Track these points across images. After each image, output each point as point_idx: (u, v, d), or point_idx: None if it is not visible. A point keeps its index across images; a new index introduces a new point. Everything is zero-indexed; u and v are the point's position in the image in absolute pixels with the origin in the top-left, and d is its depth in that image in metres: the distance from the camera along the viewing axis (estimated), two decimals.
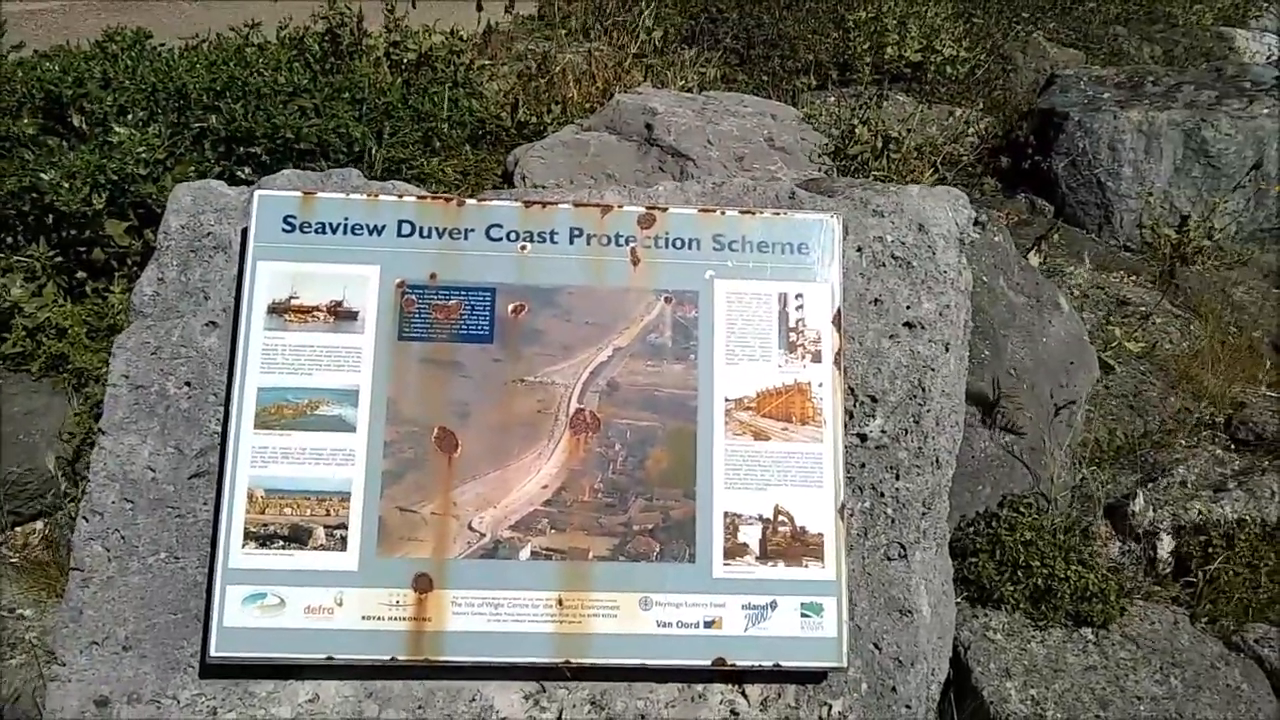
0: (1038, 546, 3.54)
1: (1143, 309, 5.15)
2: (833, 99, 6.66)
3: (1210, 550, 3.78)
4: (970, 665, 3.39)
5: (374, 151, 4.60)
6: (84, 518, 2.80)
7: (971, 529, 3.63)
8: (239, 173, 4.30)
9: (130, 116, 4.38)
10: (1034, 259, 4.59)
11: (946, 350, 2.97)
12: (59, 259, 4.04)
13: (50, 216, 4.03)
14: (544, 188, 4.85)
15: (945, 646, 2.95)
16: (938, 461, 2.93)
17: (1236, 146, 5.96)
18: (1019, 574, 3.51)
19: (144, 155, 4.07)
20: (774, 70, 6.77)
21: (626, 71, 6.06)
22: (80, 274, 4.09)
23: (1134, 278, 5.57)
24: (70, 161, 3.93)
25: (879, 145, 5.46)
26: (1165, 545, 3.81)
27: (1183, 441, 4.27)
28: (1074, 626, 3.53)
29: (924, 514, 2.88)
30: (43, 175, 3.92)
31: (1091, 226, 6.09)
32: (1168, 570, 3.82)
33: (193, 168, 4.25)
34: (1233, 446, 4.43)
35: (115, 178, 3.97)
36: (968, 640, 3.45)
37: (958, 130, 6.13)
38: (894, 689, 2.77)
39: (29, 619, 3.19)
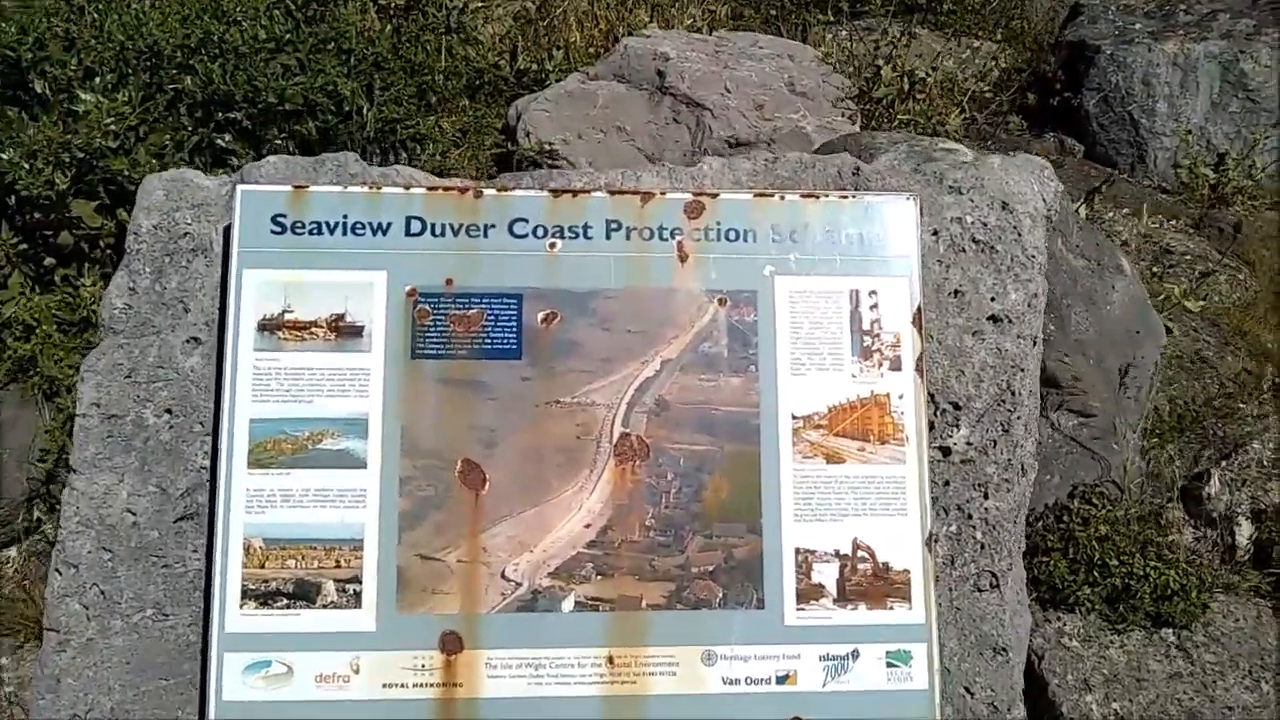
0: (1114, 542, 3.13)
1: (1187, 258, 4.69)
2: (845, 33, 6.10)
3: None
4: (1046, 677, 2.99)
5: (365, 111, 4.07)
6: (56, 570, 2.35)
7: (1040, 524, 3.21)
8: (219, 140, 3.77)
9: (98, 80, 3.83)
10: (1083, 212, 4.12)
11: (1034, 345, 2.52)
12: (23, 246, 3.53)
13: (12, 198, 3.51)
14: (551, 144, 4.35)
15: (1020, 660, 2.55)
16: (1023, 469, 2.50)
17: (1277, 79, 5.45)
18: (1095, 574, 3.10)
19: (112, 126, 3.53)
20: (783, 4, 6.19)
21: (630, 10, 5.48)
22: (48, 260, 3.59)
23: (1173, 222, 5.10)
24: (30, 138, 3.40)
25: (905, 87, 4.94)
26: (1244, 531, 3.40)
27: (1249, 409, 3.84)
28: (1154, 628, 3.13)
29: (1014, 533, 2.45)
30: (1, 155, 3.39)
31: (1124, 166, 5.61)
32: (1246, 558, 3.42)
33: (168, 136, 3.72)
34: None
35: (81, 154, 3.44)
36: (1041, 648, 3.05)
37: (983, 66, 5.60)
38: None
39: (4, 667, 2.75)
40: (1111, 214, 4.99)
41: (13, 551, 3.03)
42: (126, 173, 3.55)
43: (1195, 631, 3.15)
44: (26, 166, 3.36)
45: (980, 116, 5.19)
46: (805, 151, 4.41)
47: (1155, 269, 4.60)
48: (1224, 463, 3.56)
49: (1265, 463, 3.55)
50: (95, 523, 2.35)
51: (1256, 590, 3.36)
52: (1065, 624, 3.12)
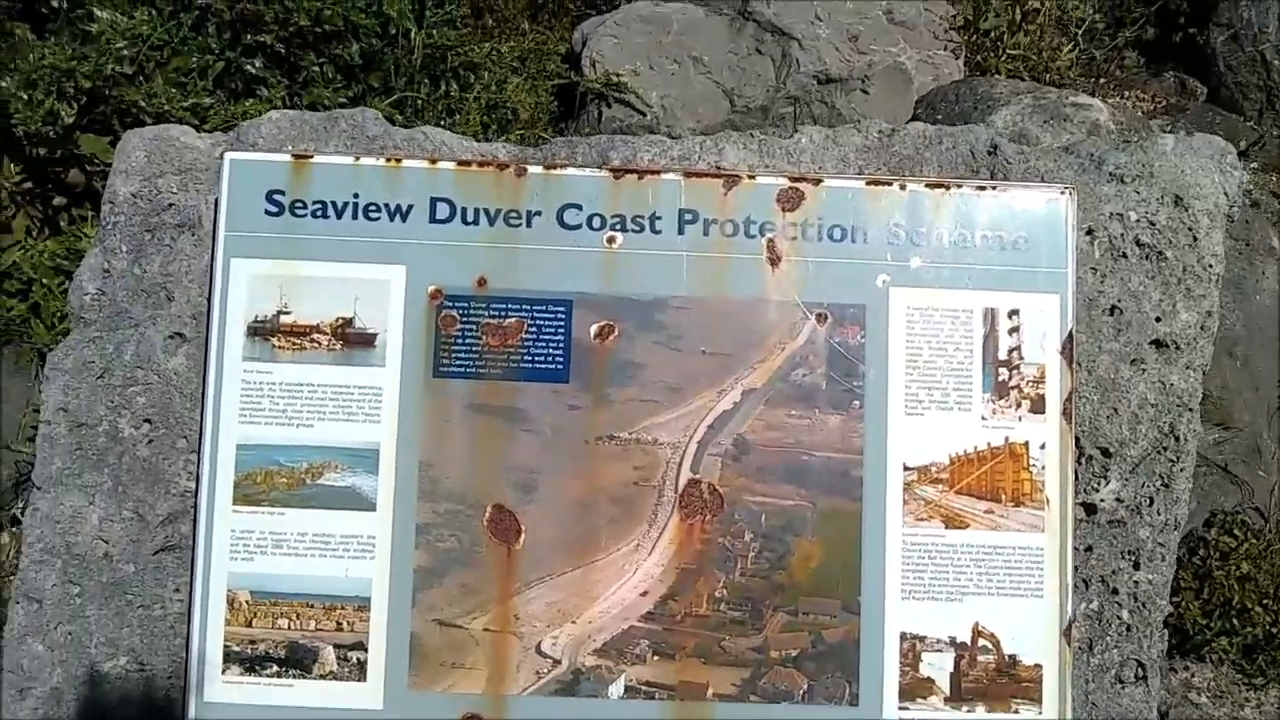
0: (1256, 582, 2.59)
1: None
2: None
3: None
4: None
5: (413, 35, 3.50)
6: (17, 604, 1.92)
7: None
8: (249, 66, 3.24)
9: None
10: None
11: (1204, 377, 1.95)
12: (28, 184, 3.05)
13: (19, 130, 3.02)
14: (619, 75, 3.76)
15: None
16: (1177, 526, 1.95)
17: None
18: (1233, 620, 2.56)
19: (125, 51, 3.02)
20: None
21: None
22: (57, 199, 3.11)
23: None
24: (31, 64, 2.89)
25: (1017, 18, 4.25)
26: None
27: None
28: None
29: (1163, 609, 1.92)
30: (0, 83, 2.90)
31: (1251, 112, 4.89)
32: None
33: (192, 60, 3.19)
34: None
35: (89, 82, 2.94)
36: (1166, 703, 2.53)
37: None
38: None
39: None
40: (1253, 177, 4.30)
41: (4, 536, 2.61)
42: (142, 103, 3.05)
43: None
44: (25, 97, 2.86)
45: (1099, 55, 4.49)
46: (908, 93, 3.79)
47: None
48: None
49: None
50: (61, 551, 1.91)
51: None
52: (1194, 675, 2.60)
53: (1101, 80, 4.61)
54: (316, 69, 3.37)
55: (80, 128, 3.04)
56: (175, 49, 3.25)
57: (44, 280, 2.82)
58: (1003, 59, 4.29)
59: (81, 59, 2.98)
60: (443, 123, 3.37)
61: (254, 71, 3.31)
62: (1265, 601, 2.57)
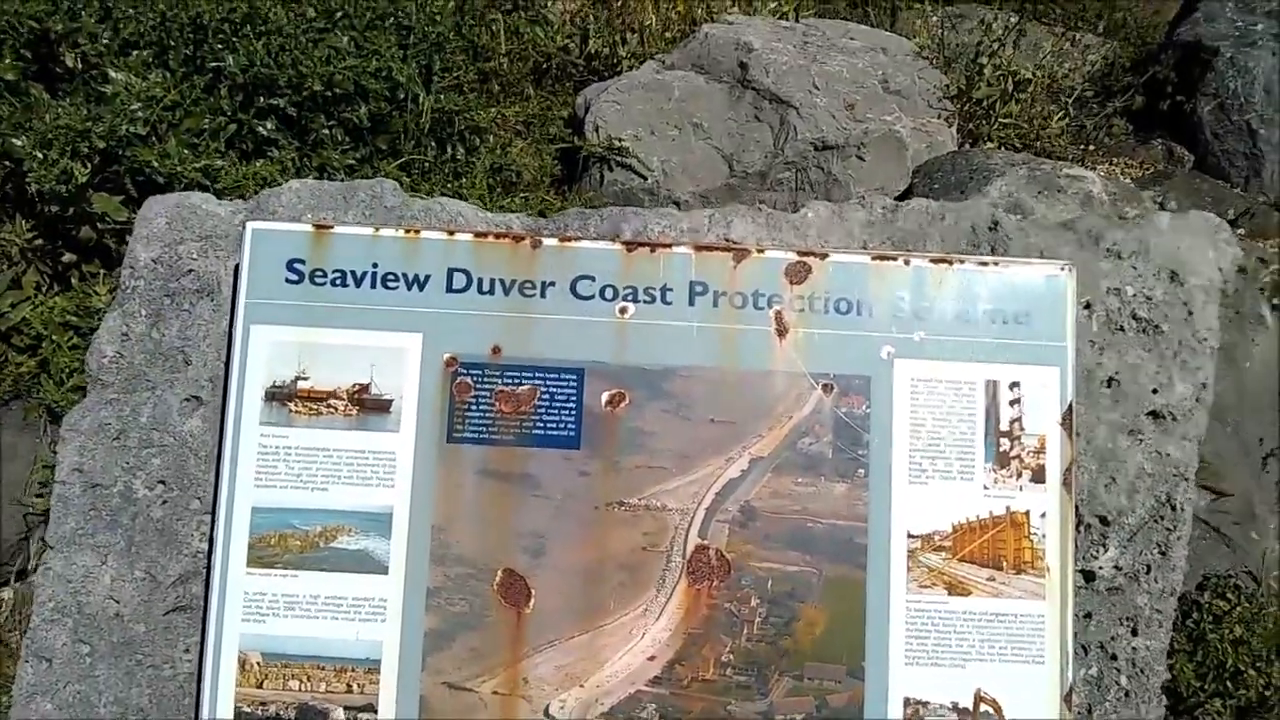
0: (1249, 646, 2.60)
1: None
2: (936, 19, 5.48)
3: None
4: None
5: (421, 99, 3.57)
6: (27, 662, 1.92)
7: None
8: (260, 128, 3.29)
9: (134, 55, 3.36)
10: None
11: (1199, 447, 1.99)
12: (39, 240, 3.09)
13: (32, 187, 3.06)
14: (621, 140, 3.83)
15: None
16: (1174, 593, 1.99)
17: None
18: (1227, 683, 2.58)
19: (140, 112, 3.07)
20: None
21: None
22: (67, 256, 3.15)
23: None
24: (47, 124, 2.94)
25: (1009, 88, 4.35)
26: None
27: None
28: None
29: (1161, 675, 1.94)
30: (15, 140, 2.94)
31: (1238, 179, 4.99)
32: None
33: (204, 122, 3.25)
34: None
35: (104, 143, 2.98)
36: None
37: (1089, 65, 4.99)
38: None
39: None
40: (1242, 244, 4.37)
41: (7, 593, 2.62)
42: (155, 164, 3.09)
43: None
44: (40, 156, 2.90)
45: (1089, 123, 4.59)
46: (902, 159, 3.87)
47: None
48: None
49: None
50: (73, 611, 1.92)
51: None
52: None
53: (1091, 147, 4.71)
54: (326, 131, 3.43)
55: (93, 186, 3.08)
56: (188, 110, 3.31)
57: (54, 337, 2.85)
58: (994, 127, 4.39)
59: (96, 119, 3.03)
60: (449, 186, 3.43)
61: (266, 133, 3.37)
62: (1258, 664, 2.59)
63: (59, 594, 1.93)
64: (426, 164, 3.52)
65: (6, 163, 3.02)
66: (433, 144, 3.66)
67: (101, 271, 3.07)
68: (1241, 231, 4.21)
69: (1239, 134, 5.02)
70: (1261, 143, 4.98)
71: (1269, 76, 4.93)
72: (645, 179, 3.77)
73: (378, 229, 1.88)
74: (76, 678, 1.91)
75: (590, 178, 3.84)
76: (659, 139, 3.96)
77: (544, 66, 4.38)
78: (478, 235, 1.88)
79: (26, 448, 2.67)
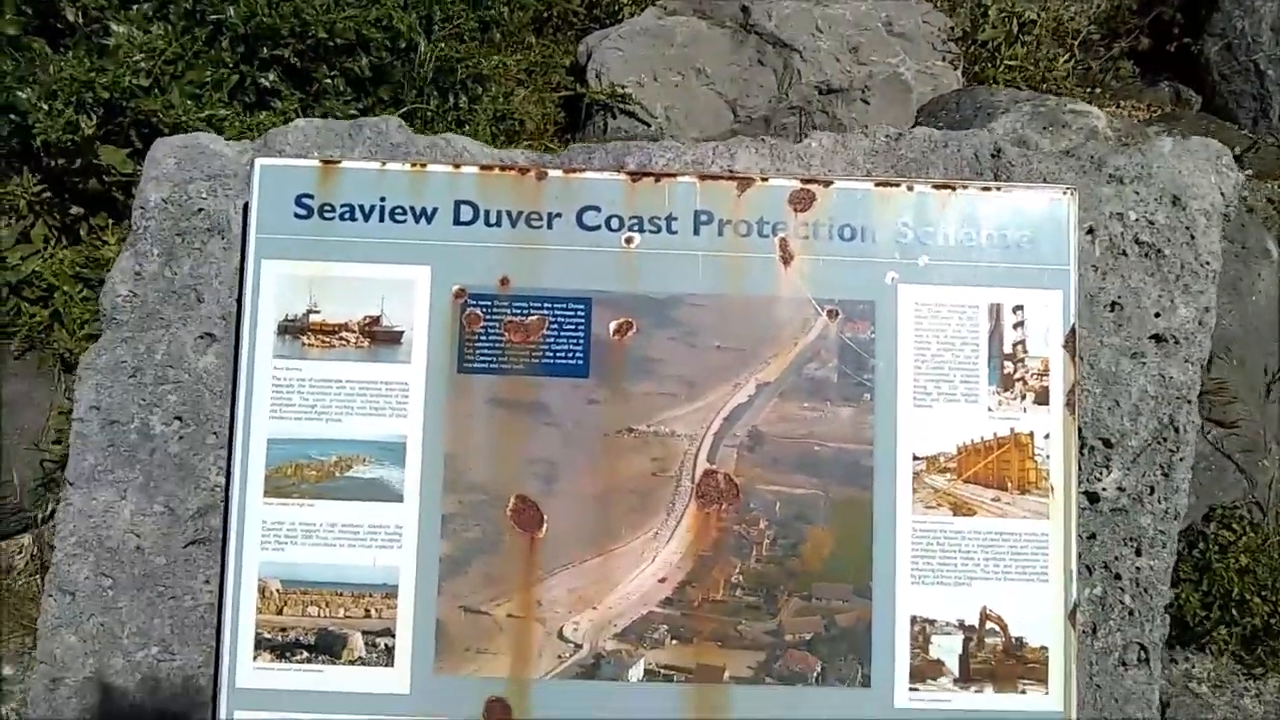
0: (1255, 575, 2.63)
1: None
2: None
3: None
4: None
5: (422, 48, 3.56)
6: (50, 596, 1.97)
7: None
8: (263, 79, 3.29)
9: (135, 9, 3.35)
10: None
11: (1202, 370, 2.01)
12: (47, 193, 3.11)
13: (37, 140, 3.07)
14: (624, 87, 3.82)
15: None
16: (1178, 516, 2.01)
17: None
18: (1233, 611, 2.61)
19: (143, 64, 3.08)
20: None
21: None
22: (75, 209, 3.17)
23: None
24: (51, 76, 2.95)
25: (1014, 30, 4.32)
26: None
27: None
28: None
29: (1165, 595, 1.98)
30: (20, 93, 2.95)
31: (1245, 120, 4.96)
32: None
33: (207, 74, 3.25)
34: None
35: (108, 94, 2.99)
36: (1167, 693, 2.58)
37: (1095, 6, 4.94)
38: None
39: (7, 679, 2.39)
40: (1249, 183, 4.37)
41: (27, 538, 2.66)
42: (160, 115, 3.10)
43: None
44: (45, 108, 2.92)
45: (1095, 65, 4.56)
46: (907, 103, 3.86)
47: None
48: None
49: None
50: (94, 545, 1.96)
51: None
52: (1195, 666, 2.65)
53: (1097, 90, 4.69)
54: (329, 81, 3.43)
55: (99, 139, 3.10)
56: (190, 63, 3.31)
57: (65, 288, 2.88)
58: (1000, 69, 4.36)
59: (100, 71, 3.04)
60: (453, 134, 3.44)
61: (268, 84, 3.37)
62: (1264, 593, 2.62)
63: (80, 529, 1.96)
64: (429, 113, 3.52)
65: (12, 116, 3.03)
66: (435, 93, 3.66)
67: (110, 223, 3.09)
68: (1249, 171, 4.20)
69: (1246, 74, 4.99)
70: (1269, 83, 4.95)
71: (1276, 16, 4.89)
72: (649, 125, 3.77)
73: (384, 163, 1.89)
74: (99, 610, 1.96)
75: (594, 125, 3.83)
76: (662, 85, 3.95)
77: (545, 15, 4.36)
78: (484, 168, 1.90)
79: (42, 395, 2.71)
